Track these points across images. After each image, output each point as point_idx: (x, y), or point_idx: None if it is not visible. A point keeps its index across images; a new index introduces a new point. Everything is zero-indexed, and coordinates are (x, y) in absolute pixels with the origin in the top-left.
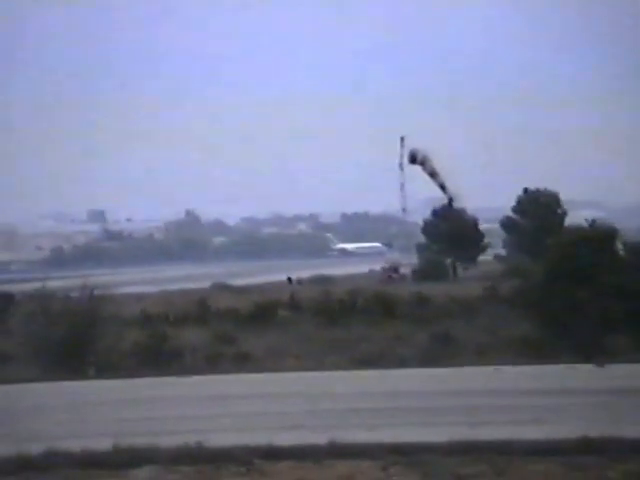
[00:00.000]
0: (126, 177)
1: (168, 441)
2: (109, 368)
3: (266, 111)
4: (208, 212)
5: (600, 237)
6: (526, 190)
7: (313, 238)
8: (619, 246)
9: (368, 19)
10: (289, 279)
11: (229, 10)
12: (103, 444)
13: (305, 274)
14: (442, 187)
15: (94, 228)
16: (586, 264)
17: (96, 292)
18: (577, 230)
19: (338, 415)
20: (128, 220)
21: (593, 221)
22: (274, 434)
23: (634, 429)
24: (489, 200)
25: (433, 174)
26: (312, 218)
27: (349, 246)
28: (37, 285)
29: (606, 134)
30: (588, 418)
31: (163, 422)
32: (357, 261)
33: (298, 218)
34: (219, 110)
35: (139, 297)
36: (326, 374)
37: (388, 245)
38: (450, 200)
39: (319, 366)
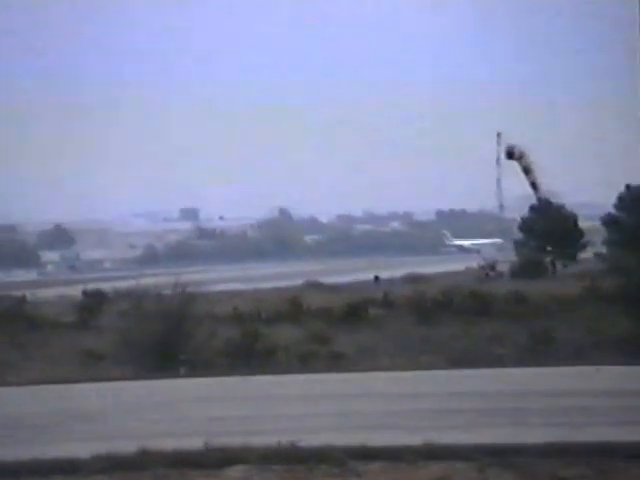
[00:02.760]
0: (219, 175)
1: (261, 441)
2: (201, 366)
3: (356, 110)
4: (302, 210)
5: None
6: (628, 187)
7: (426, 233)
8: None
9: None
10: (376, 278)
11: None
12: (195, 443)
13: (399, 272)
14: (534, 185)
15: (186, 226)
16: None
17: (188, 290)
18: None
19: (432, 415)
20: (221, 218)
21: None
22: (368, 434)
23: None
24: (591, 196)
25: (527, 171)
26: (406, 216)
27: (466, 242)
28: (129, 283)
29: None
30: None
31: (255, 421)
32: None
33: (392, 216)
34: (316, 106)
35: (231, 295)
36: (420, 373)
37: (508, 241)
38: (539, 199)
39: (413, 365)
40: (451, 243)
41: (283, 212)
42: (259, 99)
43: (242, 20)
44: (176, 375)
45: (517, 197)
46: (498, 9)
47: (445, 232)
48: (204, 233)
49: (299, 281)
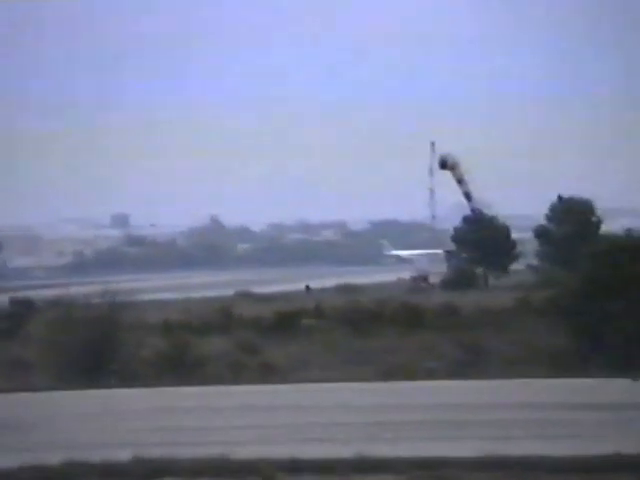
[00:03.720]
0: (151, 182)
1: (190, 452)
2: (131, 377)
3: (291, 117)
4: (233, 218)
5: (636, 246)
6: (560, 198)
7: (367, 244)
8: None
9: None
10: (307, 287)
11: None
12: (123, 454)
13: (331, 282)
14: (467, 196)
15: (117, 233)
16: (621, 275)
17: (117, 299)
18: (612, 239)
19: (363, 428)
20: (152, 225)
21: (629, 230)
22: (298, 447)
23: None
24: (522, 208)
25: (461, 181)
26: (340, 225)
27: (403, 253)
28: (58, 291)
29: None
30: (622, 434)
31: (185, 433)
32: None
33: (325, 225)
34: (245, 115)
35: (161, 304)
36: (351, 385)
37: (451, 252)
38: (473, 210)
39: (344, 377)
40: (390, 253)
41: (214, 220)
42: (191, 107)
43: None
44: (106, 385)
45: (451, 207)
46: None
47: (383, 242)
48: (134, 240)
49: (230, 290)
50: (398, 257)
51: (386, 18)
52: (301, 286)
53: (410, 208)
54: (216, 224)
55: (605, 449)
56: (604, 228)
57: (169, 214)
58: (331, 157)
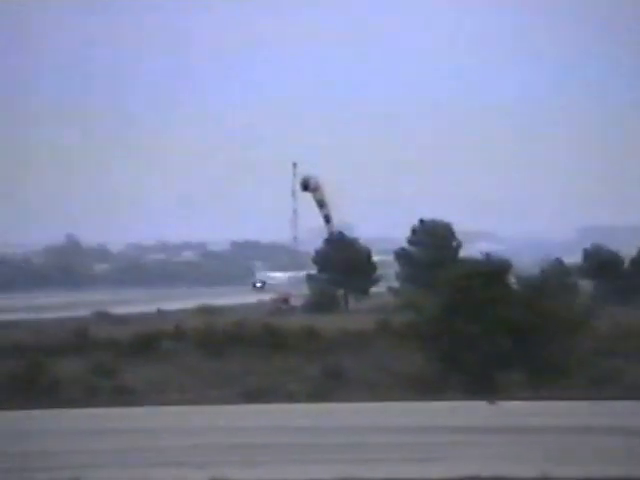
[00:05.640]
0: (5, 200)
1: (43, 477)
2: None
3: (151, 135)
4: (90, 237)
5: (493, 271)
6: (422, 221)
7: (228, 265)
8: (512, 280)
9: None
10: (158, 310)
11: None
12: None
13: (191, 303)
14: (327, 218)
15: None
16: (478, 298)
17: None
18: (470, 263)
19: (220, 451)
20: (4, 244)
21: (487, 254)
22: (153, 470)
23: (524, 468)
24: (386, 231)
25: (321, 204)
26: (200, 246)
27: (277, 274)
28: None
29: (500, 164)
30: (478, 456)
31: (36, 457)
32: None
33: (186, 245)
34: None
35: (13, 324)
36: (210, 408)
37: (312, 274)
38: (331, 233)
39: (203, 400)
40: (265, 275)
41: (71, 239)
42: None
43: None
44: None
45: (314, 229)
46: None
47: (257, 263)
48: None
49: (87, 311)
50: (264, 279)
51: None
52: (160, 307)
53: (273, 229)
54: (73, 243)
55: (463, 471)
56: (463, 252)
57: (24, 232)
58: (192, 177)
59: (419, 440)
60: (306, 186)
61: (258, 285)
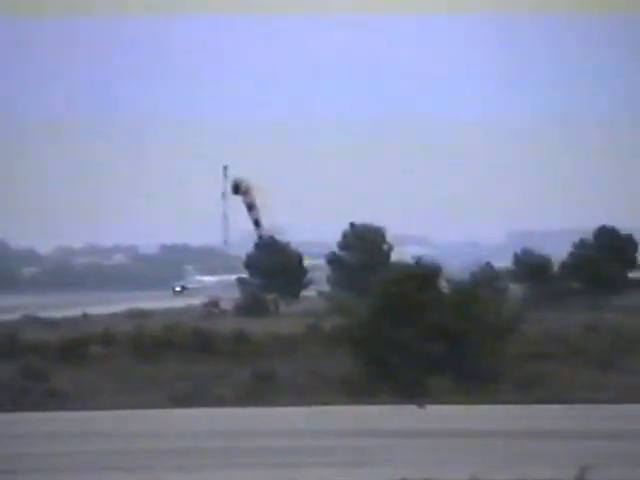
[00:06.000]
0: None
1: None
2: None
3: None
4: (18, 241)
5: (424, 275)
6: (352, 224)
7: (159, 268)
8: (443, 284)
9: None
10: (84, 315)
11: None
12: None
13: (121, 307)
14: (257, 222)
15: None
16: (409, 302)
17: None
18: (401, 267)
19: (150, 456)
20: None
21: (418, 258)
22: (82, 476)
23: (452, 471)
24: (318, 235)
25: (251, 207)
26: (131, 249)
27: (207, 278)
28: None
29: (432, 170)
30: (408, 460)
31: None
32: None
33: (116, 248)
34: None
35: None
36: (139, 412)
37: (243, 278)
38: (261, 237)
39: (134, 404)
40: (195, 279)
41: None
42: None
43: None
44: None
45: (246, 232)
46: None
47: (188, 267)
48: None
49: (15, 315)
50: (193, 282)
51: None
52: (90, 310)
53: (203, 233)
54: (1, 246)
55: (392, 474)
56: (394, 256)
57: None
58: (122, 180)
59: (348, 444)
60: (237, 189)
61: (177, 290)
